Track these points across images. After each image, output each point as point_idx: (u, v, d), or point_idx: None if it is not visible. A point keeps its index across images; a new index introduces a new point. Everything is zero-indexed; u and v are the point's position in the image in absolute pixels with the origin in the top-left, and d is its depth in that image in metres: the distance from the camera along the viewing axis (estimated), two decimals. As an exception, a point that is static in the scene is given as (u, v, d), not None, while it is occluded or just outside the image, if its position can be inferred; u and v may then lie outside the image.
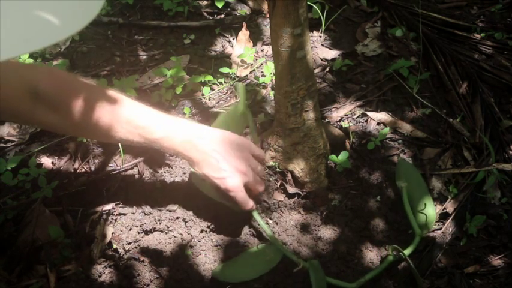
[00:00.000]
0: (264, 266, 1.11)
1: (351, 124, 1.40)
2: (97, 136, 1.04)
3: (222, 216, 1.19)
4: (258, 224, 1.15)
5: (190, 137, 1.03)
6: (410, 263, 1.07)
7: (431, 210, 1.19)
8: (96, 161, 1.35)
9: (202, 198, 1.22)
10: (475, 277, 1.13)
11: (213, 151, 1.03)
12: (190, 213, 1.20)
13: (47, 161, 1.35)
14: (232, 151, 1.05)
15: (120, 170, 1.31)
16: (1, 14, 0.41)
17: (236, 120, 1.18)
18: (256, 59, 1.59)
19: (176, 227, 1.19)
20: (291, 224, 1.19)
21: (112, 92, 1.01)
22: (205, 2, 1.81)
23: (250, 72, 1.56)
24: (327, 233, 1.18)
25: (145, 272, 1.12)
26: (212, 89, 1.52)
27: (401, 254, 1.09)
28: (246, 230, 1.18)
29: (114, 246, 1.17)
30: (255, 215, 1.13)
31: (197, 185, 1.16)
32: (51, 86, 0.96)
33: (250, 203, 1.08)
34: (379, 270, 1.10)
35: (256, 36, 1.67)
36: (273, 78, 1.45)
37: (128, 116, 1.00)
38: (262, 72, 1.55)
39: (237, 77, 1.54)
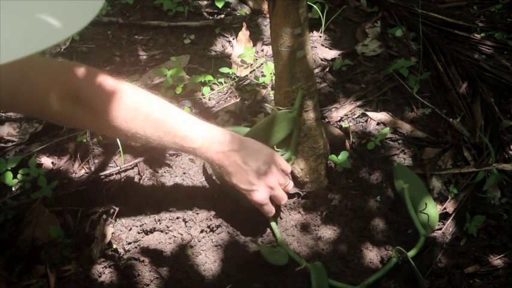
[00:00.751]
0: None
1: (351, 124, 1.40)
2: (134, 140, 1.05)
3: (222, 216, 1.19)
4: (267, 226, 1.16)
5: (225, 148, 1.04)
6: (413, 265, 1.07)
7: (433, 210, 1.19)
8: (96, 161, 1.35)
9: (202, 198, 1.23)
10: (475, 277, 1.13)
11: (245, 165, 1.05)
12: (190, 213, 1.20)
13: (47, 161, 1.35)
14: (263, 166, 1.07)
15: (120, 170, 1.31)
16: (0, 16, 0.41)
17: (281, 125, 1.15)
18: (256, 59, 1.59)
19: (176, 227, 1.19)
20: (291, 224, 1.19)
21: (152, 97, 1.01)
22: (205, 2, 1.81)
23: (250, 72, 1.56)
24: (327, 233, 1.18)
25: (145, 272, 1.12)
26: (212, 89, 1.52)
27: (404, 255, 1.09)
28: (247, 230, 1.18)
29: (114, 246, 1.17)
30: (270, 220, 1.15)
31: (215, 177, 1.19)
32: (92, 90, 0.95)
33: (273, 211, 1.12)
34: (383, 273, 1.10)
35: (256, 36, 1.67)
36: (273, 78, 1.45)
37: (168, 125, 1.01)
38: (262, 72, 1.55)
39: (237, 77, 1.54)
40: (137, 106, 0.98)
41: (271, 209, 1.11)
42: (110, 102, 0.95)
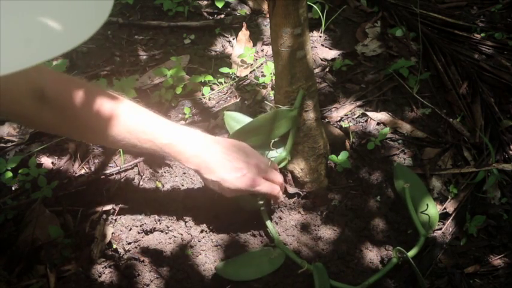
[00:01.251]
0: (266, 267, 1.11)
1: (351, 124, 1.40)
2: (104, 142, 1.03)
3: (222, 216, 1.19)
4: (266, 226, 1.15)
5: (199, 144, 1.02)
6: (414, 265, 1.07)
7: (433, 210, 1.19)
8: (96, 161, 1.35)
9: (202, 198, 1.22)
10: (475, 277, 1.13)
11: (224, 154, 1.03)
12: (190, 213, 1.20)
13: (47, 161, 1.35)
14: (242, 152, 1.06)
15: (120, 170, 1.32)
16: (5, 25, 0.41)
17: (281, 122, 1.14)
18: (256, 59, 1.59)
19: (176, 227, 1.19)
20: (291, 224, 1.19)
21: (121, 98, 1.00)
22: (205, 2, 1.81)
23: (250, 72, 1.56)
24: (327, 233, 1.18)
25: (145, 272, 1.12)
26: (212, 89, 1.52)
27: (405, 256, 1.09)
28: (247, 230, 1.18)
29: (114, 246, 1.17)
30: (264, 215, 1.15)
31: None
32: (59, 89, 0.95)
33: (276, 189, 1.09)
34: (383, 273, 1.10)
35: (256, 36, 1.67)
36: (273, 78, 1.45)
37: (136, 122, 0.99)
38: (262, 72, 1.55)
39: (237, 77, 1.54)
40: (102, 103, 0.96)
41: (272, 186, 1.08)
42: (76, 99, 0.94)
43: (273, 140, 1.17)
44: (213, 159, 1.02)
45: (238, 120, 1.24)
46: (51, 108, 0.94)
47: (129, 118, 0.99)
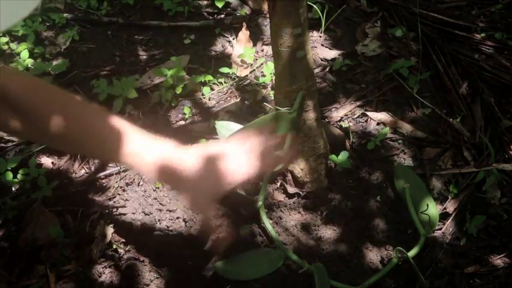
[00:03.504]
0: (266, 267, 1.11)
1: (351, 124, 1.40)
2: (67, 147, 0.95)
3: (222, 216, 1.19)
4: (263, 224, 1.15)
5: (169, 153, 0.86)
6: (414, 265, 1.07)
7: (433, 210, 1.19)
8: (96, 160, 1.35)
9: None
10: (475, 277, 1.13)
11: (194, 164, 0.86)
12: (190, 213, 1.20)
13: (47, 161, 1.35)
14: (212, 160, 0.88)
15: (120, 170, 1.31)
16: None
17: (280, 124, 1.12)
18: (256, 59, 1.59)
19: (176, 227, 1.19)
20: (291, 224, 1.19)
21: (89, 103, 0.96)
22: (205, 2, 1.81)
23: (250, 72, 1.56)
24: (327, 233, 1.18)
25: (145, 272, 1.12)
26: (212, 89, 1.52)
27: (405, 256, 1.08)
28: (247, 230, 1.18)
29: (114, 246, 1.17)
30: (263, 216, 1.14)
31: None
32: (21, 89, 0.87)
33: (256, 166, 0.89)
34: (383, 273, 1.10)
35: (256, 36, 1.67)
36: (273, 78, 1.45)
37: (99, 128, 0.87)
38: (262, 72, 1.55)
39: (237, 77, 1.54)
40: (68, 107, 0.88)
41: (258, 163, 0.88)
42: (39, 101, 0.87)
43: None
44: (184, 167, 0.85)
45: (229, 128, 1.22)
46: (12, 109, 0.86)
47: (94, 125, 0.87)
